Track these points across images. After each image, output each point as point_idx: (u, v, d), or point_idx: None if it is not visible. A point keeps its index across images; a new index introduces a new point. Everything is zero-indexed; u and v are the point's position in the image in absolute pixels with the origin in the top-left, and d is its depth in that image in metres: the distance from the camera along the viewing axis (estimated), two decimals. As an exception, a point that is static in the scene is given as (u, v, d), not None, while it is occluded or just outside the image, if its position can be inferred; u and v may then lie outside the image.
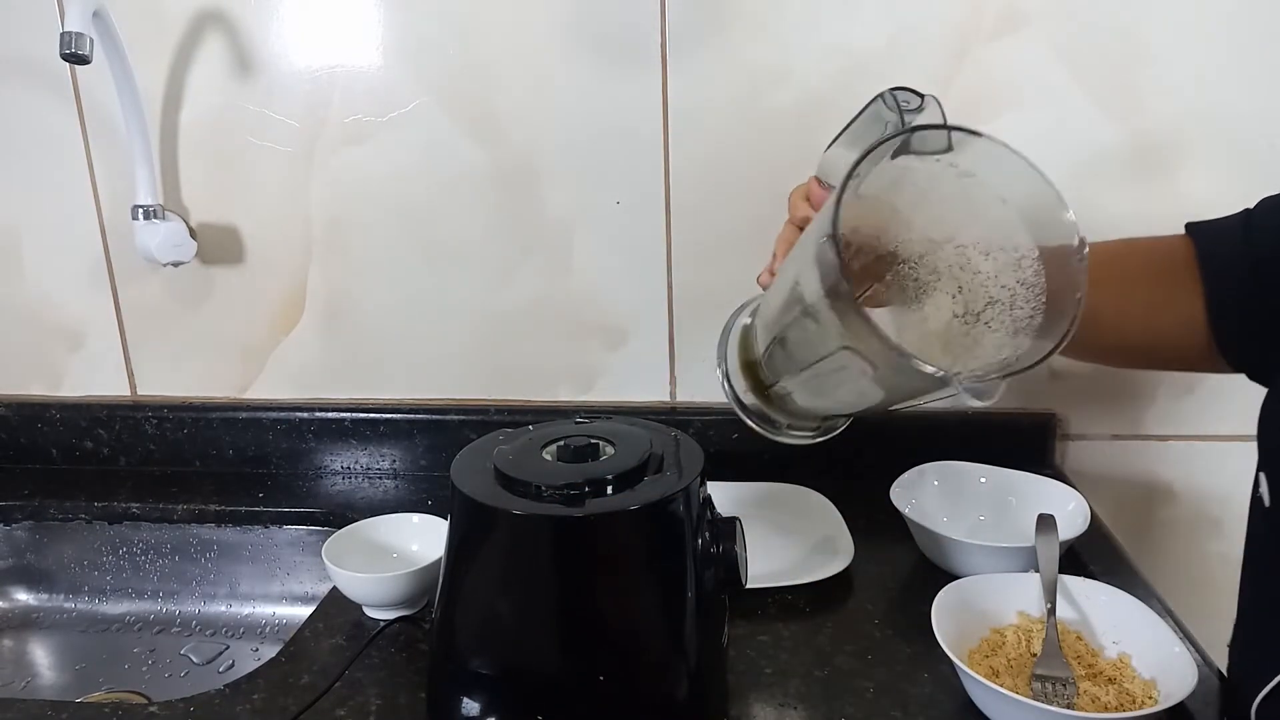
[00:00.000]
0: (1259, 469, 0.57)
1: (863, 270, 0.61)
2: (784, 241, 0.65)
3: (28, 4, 0.96)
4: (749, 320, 0.65)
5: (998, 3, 0.87)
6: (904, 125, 0.53)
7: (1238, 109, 0.87)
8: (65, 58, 0.79)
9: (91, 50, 0.80)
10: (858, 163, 0.49)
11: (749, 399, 0.65)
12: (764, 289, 0.65)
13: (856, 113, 0.59)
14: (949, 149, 0.53)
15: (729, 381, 0.66)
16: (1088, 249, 0.49)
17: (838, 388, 0.55)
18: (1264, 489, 0.56)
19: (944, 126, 0.52)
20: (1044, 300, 0.53)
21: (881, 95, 0.54)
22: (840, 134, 0.62)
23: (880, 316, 0.61)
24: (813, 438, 0.65)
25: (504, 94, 0.94)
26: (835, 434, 0.65)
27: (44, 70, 0.98)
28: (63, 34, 0.79)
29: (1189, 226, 0.64)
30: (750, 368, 0.64)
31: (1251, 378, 0.61)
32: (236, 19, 0.94)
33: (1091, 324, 0.66)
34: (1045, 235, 0.53)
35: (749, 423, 0.65)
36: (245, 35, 0.95)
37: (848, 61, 0.89)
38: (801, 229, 0.63)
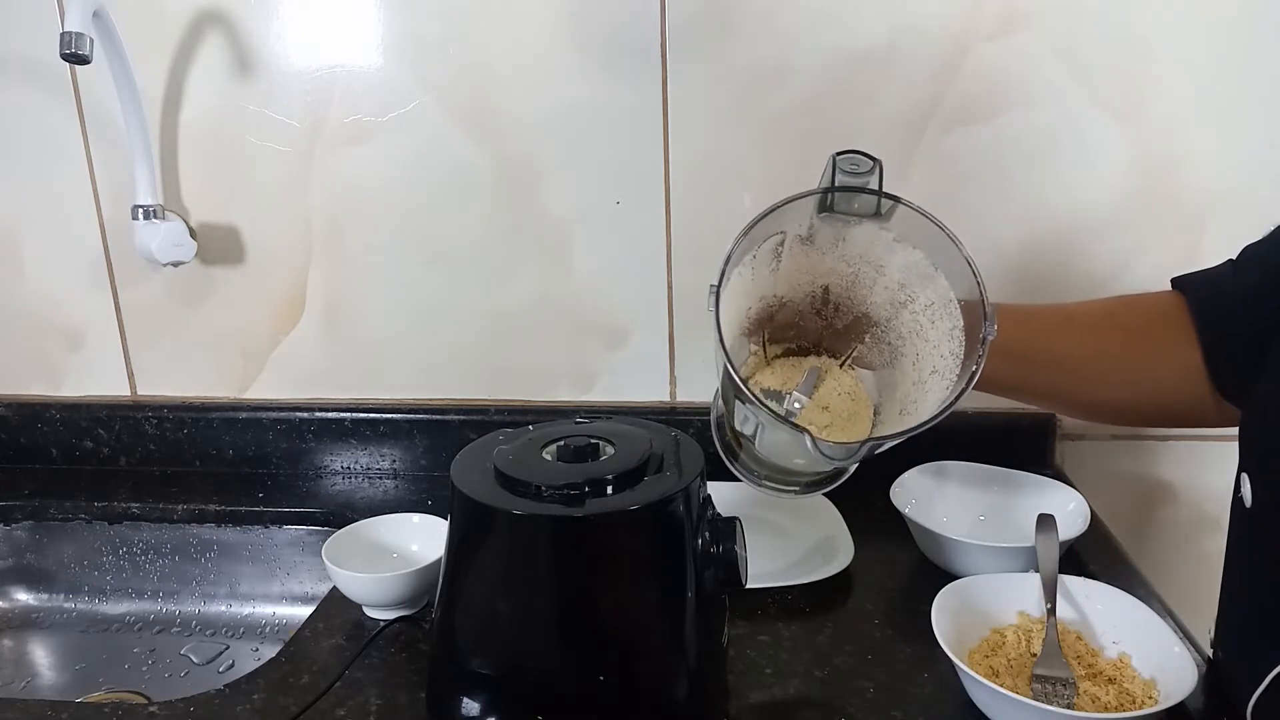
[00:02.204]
0: (1240, 470, 0.58)
1: (846, 329, 0.62)
2: None
3: (28, 4, 0.96)
4: None
5: (998, 3, 0.87)
6: (833, 185, 0.54)
7: (1238, 108, 0.87)
8: (65, 58, 0.79)
9: (91, 50, 0.80)
10: (751, 225, 0.51)
11: (729, 441, 0.66)
12: None
13: (824, 169, 0.60)
14: (879, 214, 0.54)
15: (716, 430, 0.67)
16: (992, 335, 0.50)
17: (761, 439, 0.56)
18: (1245, 490, 0.56)
19: (860, 190, 0.53)
20: (957, 373, 0.53)
21: (833, 155, 0.55)
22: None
23: (866, 379, 0.62)
24: (775, 489, 0.66)
25: (504, 94, 0.94)
26: (793, 492, 0.66)
27: (44, 70, 0.98)
28: (63, 34, 0.79)
29: (1175, 281, 0.67)
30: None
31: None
32: (236, 19, 0.94)
33: (1097, 384, 0.68)
34: (967, 307, 0.53)
35: (727, 462, 0.66)
36: (245, 35, 0.95)
37: (848, 61, 0.89)
38: None
